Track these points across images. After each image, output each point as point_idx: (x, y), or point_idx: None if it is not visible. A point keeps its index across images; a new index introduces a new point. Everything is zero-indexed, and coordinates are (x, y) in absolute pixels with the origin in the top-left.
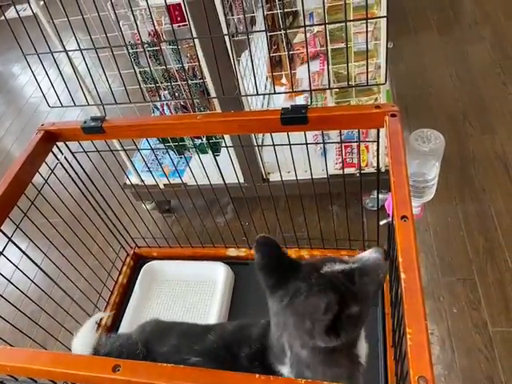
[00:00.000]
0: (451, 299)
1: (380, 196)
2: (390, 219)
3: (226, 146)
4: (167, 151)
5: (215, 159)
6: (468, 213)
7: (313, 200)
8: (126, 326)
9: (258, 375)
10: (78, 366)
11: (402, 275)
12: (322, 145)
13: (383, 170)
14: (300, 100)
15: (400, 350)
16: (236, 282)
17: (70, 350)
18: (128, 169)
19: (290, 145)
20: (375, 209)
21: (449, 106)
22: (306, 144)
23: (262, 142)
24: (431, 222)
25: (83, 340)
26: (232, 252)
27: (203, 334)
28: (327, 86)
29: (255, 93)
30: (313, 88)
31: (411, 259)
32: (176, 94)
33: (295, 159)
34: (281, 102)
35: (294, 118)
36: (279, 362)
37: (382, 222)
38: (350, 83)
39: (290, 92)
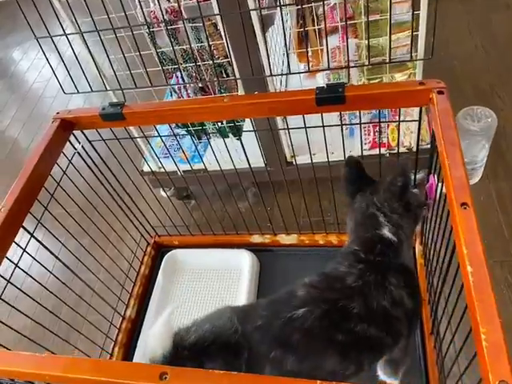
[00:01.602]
0: None
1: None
2: (431, 202)
3: (254, 130)
4: (190, 135)
5: (241, 142)
6: (501, 191)
7: (338, 183)
8: (151, 317)
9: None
10: (121, 373)
11: (469, 268)
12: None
13: (414, 149)
14: (320, 79)
15: (438, 337)
16: (261, 270)
17: (94, 342)
18: (145, 154)
19: (323, 126)
20: None
21: (475, 78)
22: (341, 125)
23: (287, 124)
24: None
25: (160, 339)
26: (256, 239)
27: (290, 296)
28: (349, 62)
29: (278, 72)
30: (335, 66)
31: (477, 252)
32: (195, 75)
33: (319, 141)
34: (299, 81)
35: (330, 98)
36: (378, 228)
37: None
38: (384, 58)
39: (326, 69)
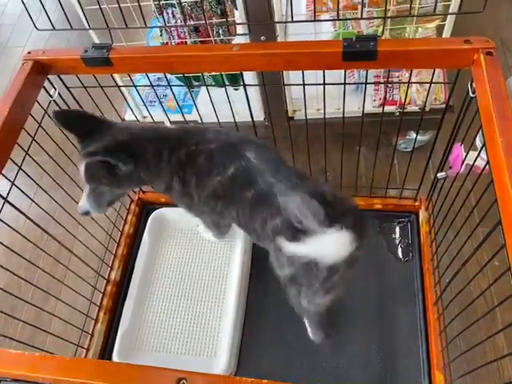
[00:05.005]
0: None
1: (418, 137)
2: (448, 174)
3: (264, 84)
4: (182, 83)
5: (245, 93)
6: None
7: (337, 141)
8: (138, 279)
9: None
10: (133, 379)
11: None
12: (355, 79)
13: (428, 109)
14: (327, 25)
15: (442, 306)
16: None
17: (75, 309)
18: (128, 101)
19: (344, 84)
20: (408, 150)
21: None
22: (365, 84)
23: (283, 77)
24: None
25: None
26: None
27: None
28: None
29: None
30: (344, 5)
31: None
32: (189, 12)
33: (321, 95)
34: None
35: (360, 53)
36: None
37: (440, 175)
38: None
39: (335, 19)
